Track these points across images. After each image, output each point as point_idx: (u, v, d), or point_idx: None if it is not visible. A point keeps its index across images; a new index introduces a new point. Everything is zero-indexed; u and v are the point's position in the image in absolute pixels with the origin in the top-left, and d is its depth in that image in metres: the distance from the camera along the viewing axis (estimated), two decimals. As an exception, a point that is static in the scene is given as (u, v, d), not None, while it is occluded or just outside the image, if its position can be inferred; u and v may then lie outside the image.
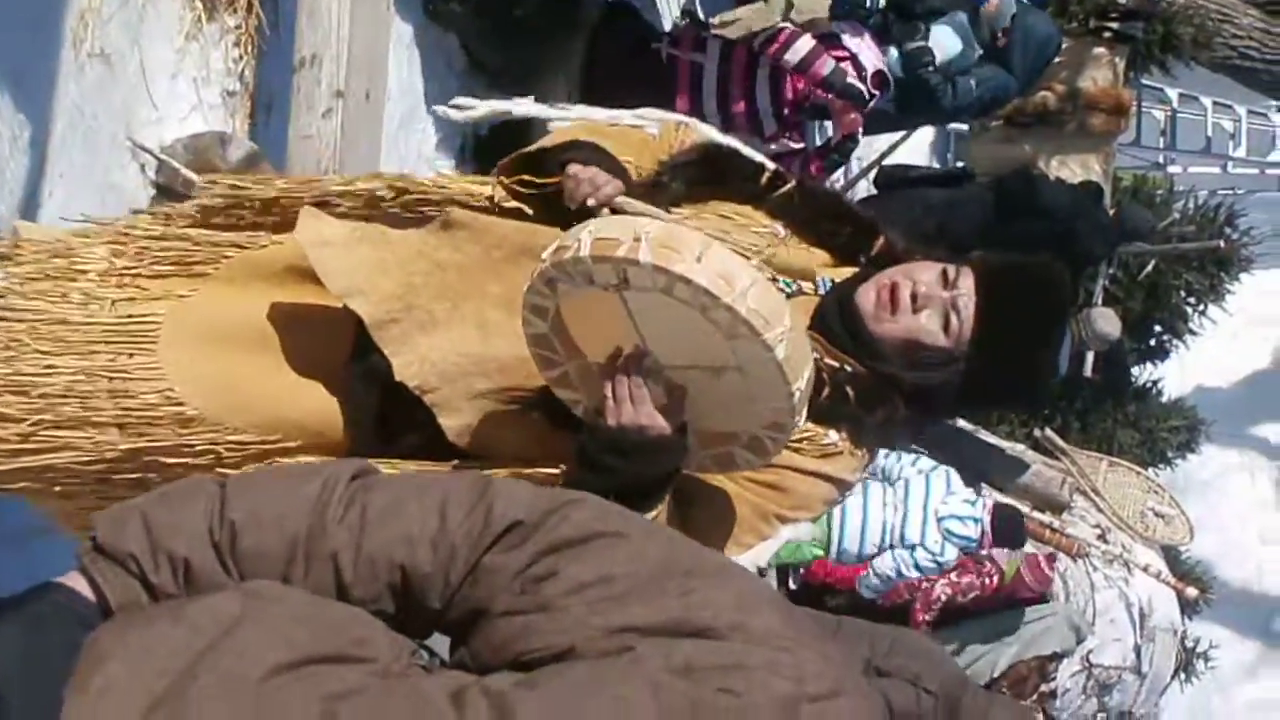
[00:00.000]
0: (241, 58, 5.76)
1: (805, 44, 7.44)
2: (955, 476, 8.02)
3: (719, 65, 7.50)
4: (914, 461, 8.09)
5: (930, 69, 8.27)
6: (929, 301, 3.26)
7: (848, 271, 3.44)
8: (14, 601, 2.11)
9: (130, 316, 3.48)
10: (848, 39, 7.71)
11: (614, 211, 3.30)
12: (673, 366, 2.98)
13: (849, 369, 3.31)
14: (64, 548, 4.52)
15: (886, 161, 9.93)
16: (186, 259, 3.57)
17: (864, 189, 10.05)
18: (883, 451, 7.36)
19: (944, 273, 3.28)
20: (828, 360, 3.27)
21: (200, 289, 3.54)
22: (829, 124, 7.70)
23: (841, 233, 3.51)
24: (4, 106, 4.50)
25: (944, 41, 8.46)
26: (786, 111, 7.50)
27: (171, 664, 1.93)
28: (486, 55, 7.23)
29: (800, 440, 3.26)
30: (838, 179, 9.42)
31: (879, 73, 7.71)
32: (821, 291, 3.39)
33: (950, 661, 5.18)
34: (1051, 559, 9.00)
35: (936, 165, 12.43)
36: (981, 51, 8.60)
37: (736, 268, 2.77)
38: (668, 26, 7.33)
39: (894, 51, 8.29)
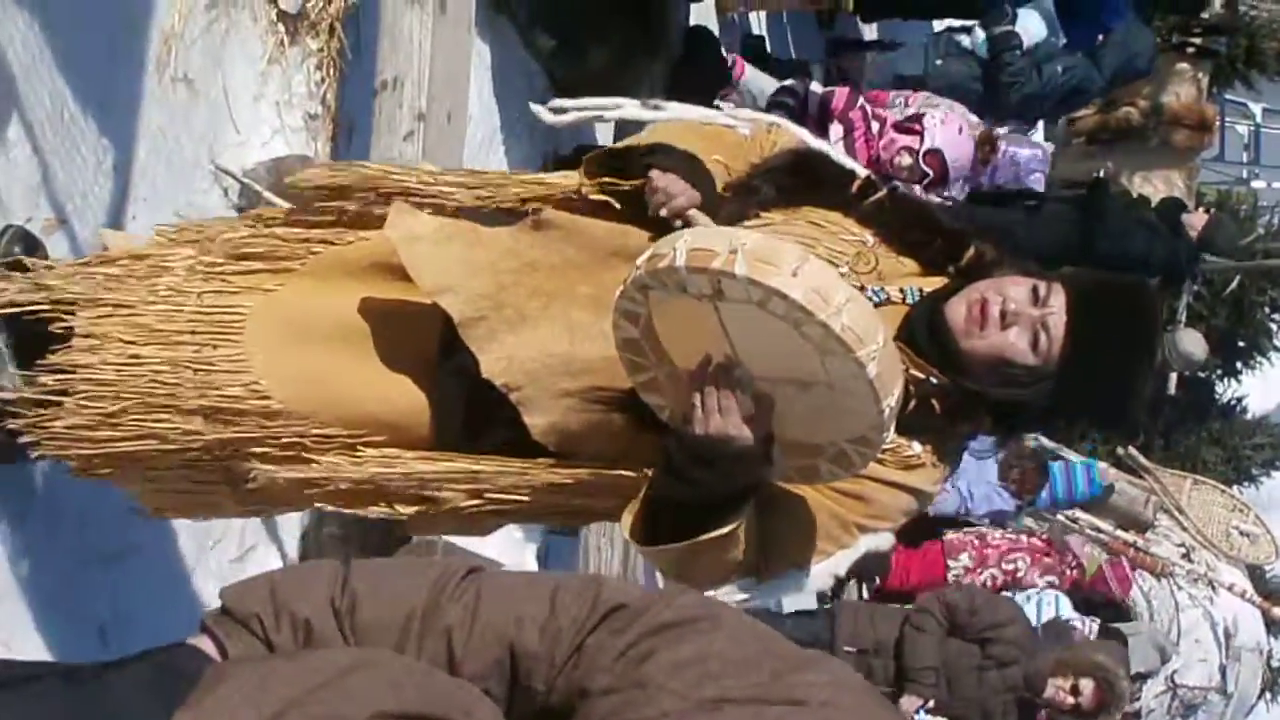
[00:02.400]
0: (323, 81, 5.79)
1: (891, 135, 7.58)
2: None
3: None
4: None
5: (1017, 52, 8.30)
6: (1018, 319, 3.22)
7: (936, 281, 3.41)
8: (142, 655, 2.18)
9: (216, 308, 3.52)
10: (928, 119, 7.75)
11: (685, 224, 3.29)
12: (762, 378, 2.96)
13: (935, 381, 3.28)
14: (148, 570, 4.61)
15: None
16: (274, 254, 3.60)
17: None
18: None
19: (1035, 289, 3.24)
20: (914, 372, 3.24)
21: (287, 283, 3.56)
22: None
23: (931, 243, 3.46)
24: (88, 131, 4.54)
25: (1030, 27, 8.50)
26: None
27: (283, 693, 1.97)
28: (558, 65, 7.25)
29: (884, 451, 3.20)
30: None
31: (936, 151, 7.73)
32: (910, 301, 3.36)
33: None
34: (1135, 566, 8.99)
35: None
36: (1066, 40, 8.65)
37: (832, 283, 2.76)
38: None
39: (980, 34, 8.35)
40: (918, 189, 7.53)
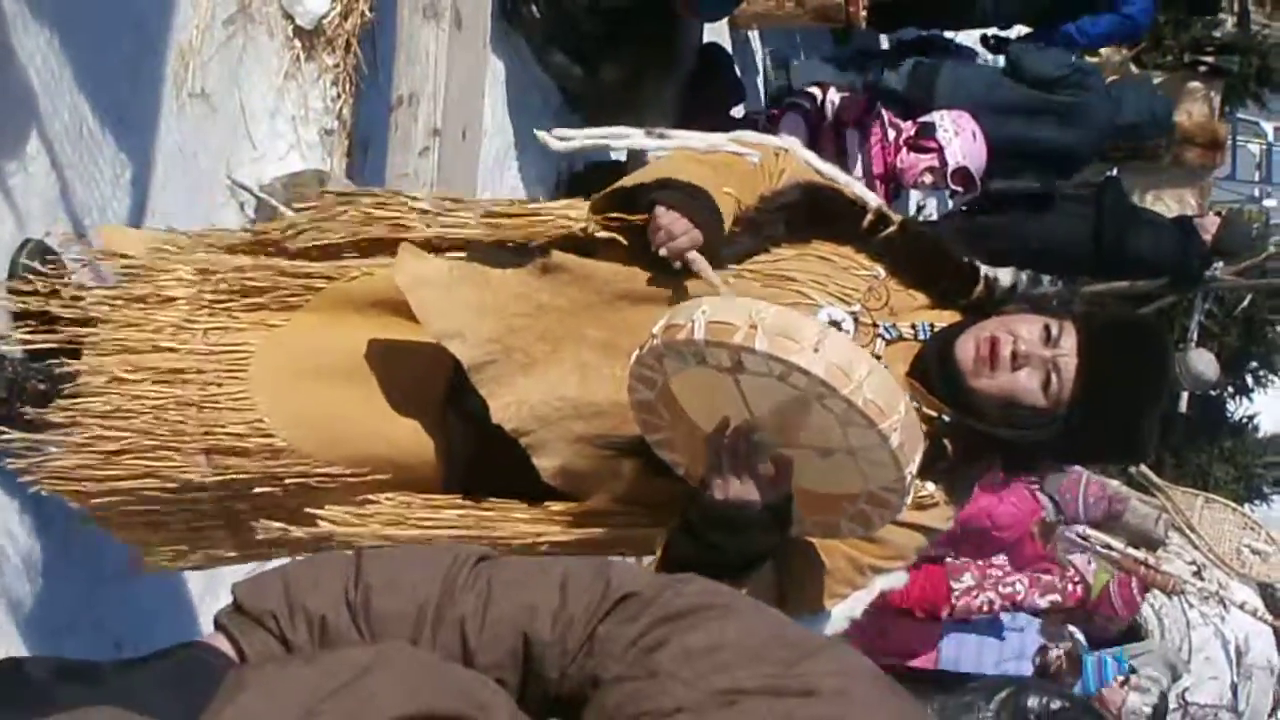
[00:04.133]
0: (339, 97, 5.80)
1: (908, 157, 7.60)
2: None
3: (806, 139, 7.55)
4: None
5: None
6: (1029, 360, 3.20)
7: (948, 316, 3.40)
8: (158, 654, 2.18)
9: (221, 345, 3.51)
10: (941, 132, 7.76)
11: (684, 268, 3.28)
12: (781, 444, 2.96)
13: (947, 419, 3.28)
14: (163, 584, 4.61)
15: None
16: (278, 289, 3.58)
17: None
18: None
19: (1046, 328, 3.22)
20: (926, 410, 3.23)
21: (292, 319, 3.55)
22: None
23: (943, 277, 3.46)
24: (106, 145, 4.55)
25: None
26: (878, 184, 7.57)
27: (301, 700, 1.97)
28: (573, 82, 7.27)
29: (899, 495, 3.24)
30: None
31: (961, 169, 7.74)
32: (921, 337, 3.35)
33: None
34: (1145, 586, 8.96)
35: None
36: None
37: (854, 357, 2.75)
38: None
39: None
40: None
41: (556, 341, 3.35)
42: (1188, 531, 10.11)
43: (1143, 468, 10.61)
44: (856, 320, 3.32)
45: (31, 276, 3.81)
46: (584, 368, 3.33)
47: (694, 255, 3.28)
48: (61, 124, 4.31)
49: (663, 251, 3.28)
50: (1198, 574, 9.71)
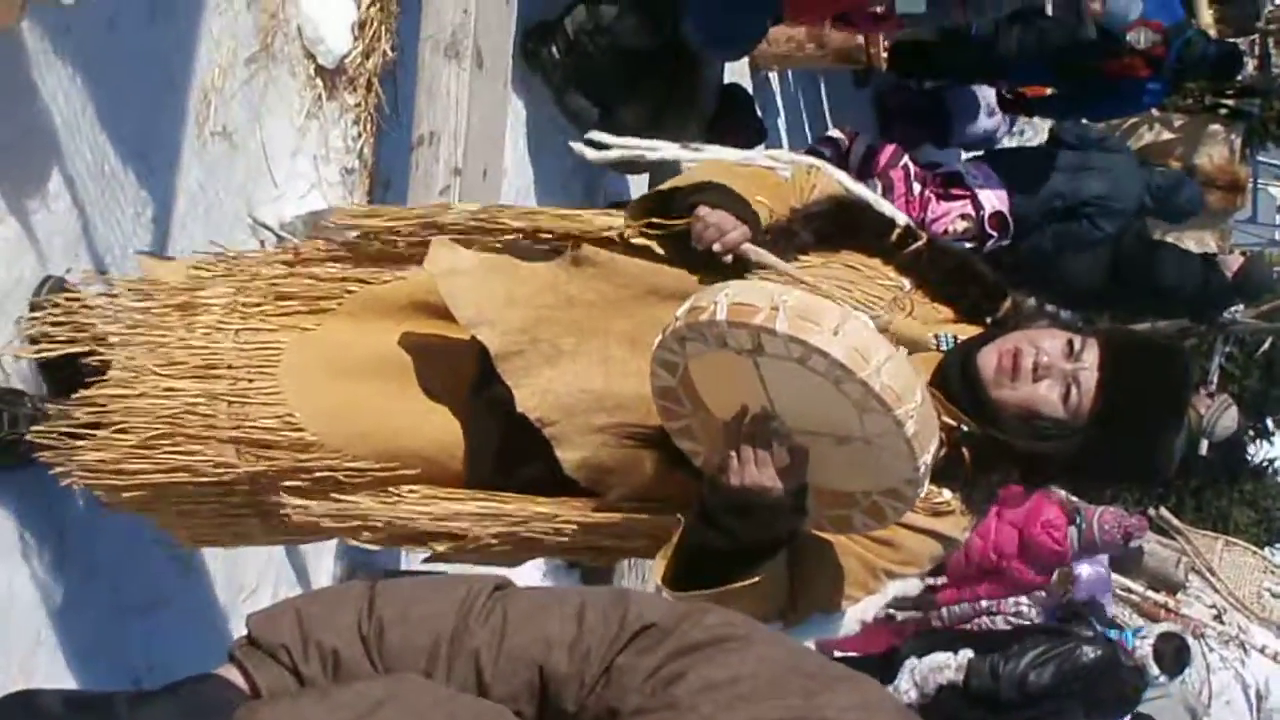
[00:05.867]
0: (360, 135, 5.82)
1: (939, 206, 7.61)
2: None
3: None
4: None
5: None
6: (1050, 372, 3.21)
7: (972, 329, 3.42)
8: (170, 687, 2.19)
9: (253, 344, 3.55)
10: (970, 179, 7.78)
11: (738, 259, 3.31)
12: (799, 430, 2.97)
13: (966, 429, 3.29)
14: (181, 620, 4.63)
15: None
16: (311, 294, 3.62)
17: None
18: None
19: (1069, 343, 3.24)
20: (945, 418, 3.23)
21: (324, 322, 3.59)
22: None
23: (969, 292, 3.49)
24: (128, 183, 4.57)
25: None
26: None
27: None
28: (592, 122, 7.28)
29: (915, 500, 3.25)
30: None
31: (998, 214, 7.76)
32: (944, 348, 3.37)
33: None
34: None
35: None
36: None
37: (873, 342, 2.78)
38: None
39: None
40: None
41: (583, 334, 3.38)
42: (1208, 575, 10.10)
43: (1163, 510, 10.62)
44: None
45: (55, 300, 3.89)
46: (609, 361, 3.36)
47: (749, 246, 3.32)
48: (83, 162, 4.32)
49: (716, 247, 3.32)
50: (1218, 617, 9.70)
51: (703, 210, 3.35)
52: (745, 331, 2.79)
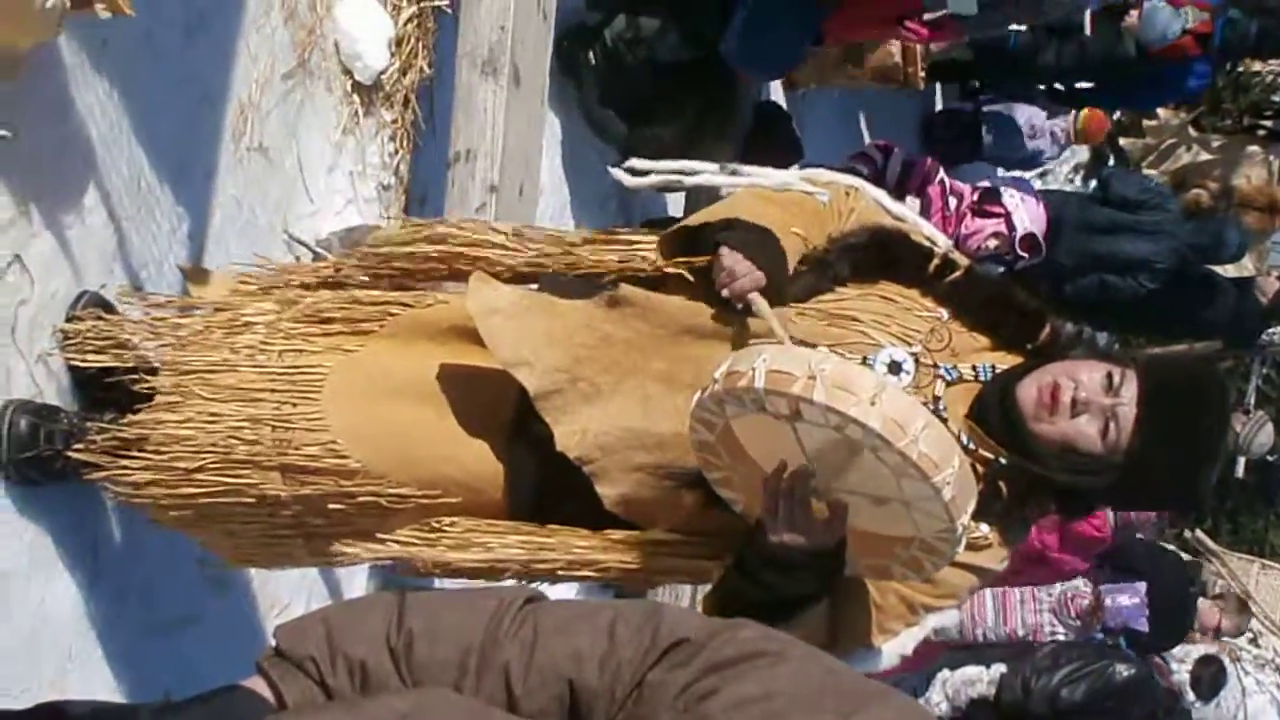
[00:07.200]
0: (397, 152, 5.82)
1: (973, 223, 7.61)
2: None
3: None
4: None
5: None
6: (1088, 407, 3.20)
7: (1011, 359, 3.40)
8: (196, 699, 2.18)
9: (296, 367, 3.55)
10: (1007, 197, 7.77)
11: (746, 309, 3.30)
12: (837, 490, 2.99)
13: (1003, 462, 3.28)
14: (213, 638, 4.62)
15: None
16: (353, 316, 3.62)
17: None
18: None
19: (1109, 375, 3.22)
20: (982, 451, 3.27)
21: (366, 344, 3.59)
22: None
23: (1008, 319, 3.45)
24: (164, 199, 4.56)
25: None
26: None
27: None
28: (628, 142, 7.27)
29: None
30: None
31: (1029, 235, 7.75)
32: (982, 379, 3.35)
33: None
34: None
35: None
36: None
37: (910, 411, 2.77)
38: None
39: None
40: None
41: (621, 373, 3.39)
42: (1244, 598, 10.06)
43: (1199, 533, 10.58)
44: (918, 361, 3.33)
45: (96, 313, 3.94)
46: (647, 400, 3.37)
47: (755, 296, 3.29)
48: (120, 176, 4.32)
49: (725, 292, 3.31)
50: (1254, 641, 9.65)
51: (723, 251, 3.33)
52: (783, 400, 2.81)
